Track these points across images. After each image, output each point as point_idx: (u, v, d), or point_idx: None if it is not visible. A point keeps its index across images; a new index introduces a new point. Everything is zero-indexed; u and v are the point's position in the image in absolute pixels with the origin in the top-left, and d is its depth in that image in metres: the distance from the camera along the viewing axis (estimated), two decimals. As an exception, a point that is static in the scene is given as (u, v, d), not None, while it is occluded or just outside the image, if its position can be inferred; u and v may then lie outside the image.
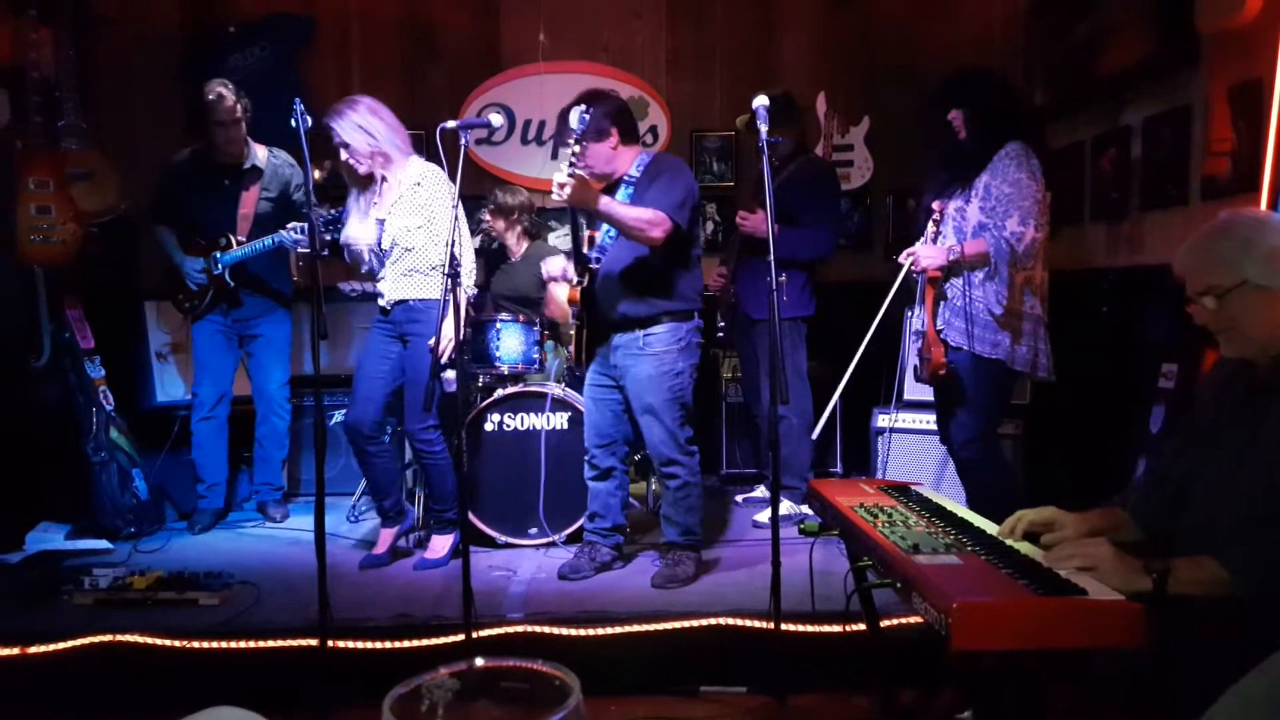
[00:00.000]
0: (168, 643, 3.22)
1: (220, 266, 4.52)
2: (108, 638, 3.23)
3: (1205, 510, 2.06)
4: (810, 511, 3.60)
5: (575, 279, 3.92)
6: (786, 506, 4.39)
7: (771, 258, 3.16)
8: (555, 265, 4.91)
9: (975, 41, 5.76)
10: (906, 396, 4.68)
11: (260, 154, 4.63)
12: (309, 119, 3.17)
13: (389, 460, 4.28)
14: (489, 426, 4.33)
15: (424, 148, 5.88)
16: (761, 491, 5.07)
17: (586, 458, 3.97)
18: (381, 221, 3.92)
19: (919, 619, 1.84)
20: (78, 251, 4.52)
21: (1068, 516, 2.24)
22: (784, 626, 3.15)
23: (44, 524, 4.46)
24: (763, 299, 4.44)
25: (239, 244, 4.51)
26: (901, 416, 4.65)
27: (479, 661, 1.30)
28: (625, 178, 3.80)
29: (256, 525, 4.78)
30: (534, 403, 4.33)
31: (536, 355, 4.56)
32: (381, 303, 4.01)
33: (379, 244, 3.95)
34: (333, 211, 4.09)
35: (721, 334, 5.00)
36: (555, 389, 4.33)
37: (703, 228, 4.00)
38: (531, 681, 1.28)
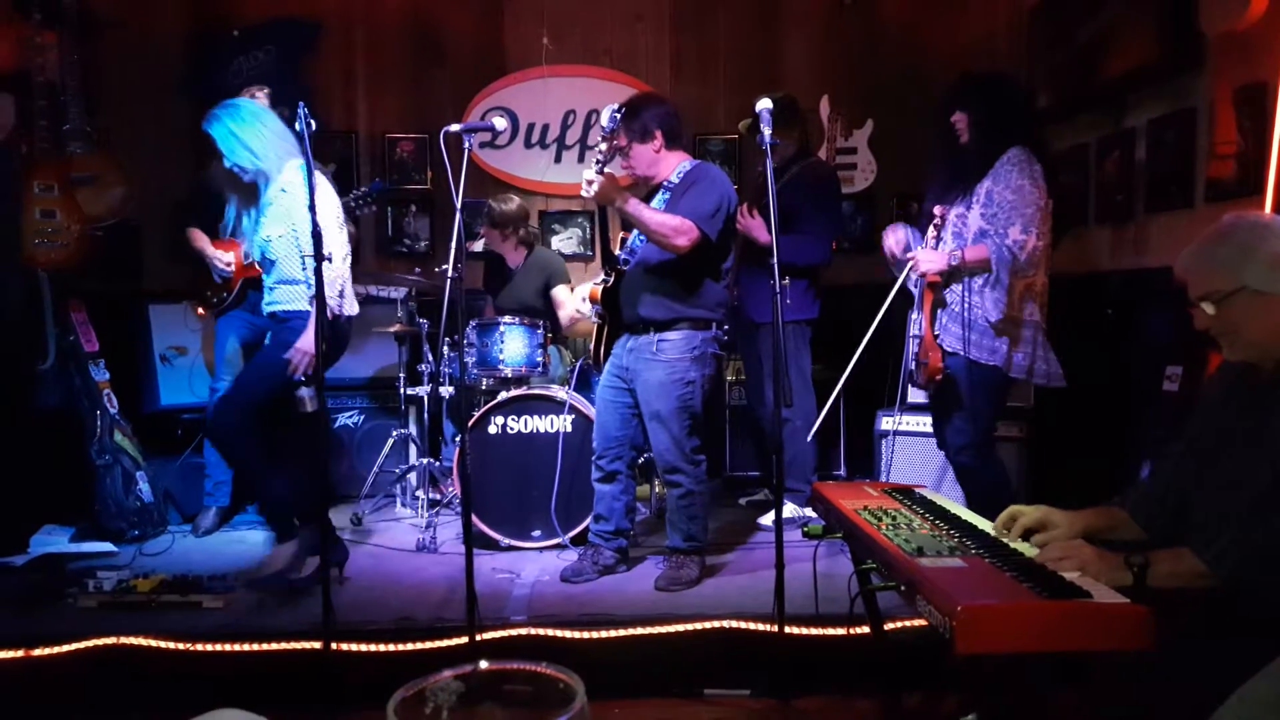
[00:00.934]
0: (171, 645, 3.22)
1: (249, 259, 4.48)
2: (111, 640, 3.22)
3: (1208, 512, 2.07)
4: (814, 514, 3.61)
5: (601, 279, 3.90)
6: (790, 509, 4.39)
7: (775, 261, 3.15)
8: (572, 303, 4.96)
9: (979, 44, 5.76)
10: (910, 399, 4.67)
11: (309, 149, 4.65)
12: (313, 123, 3.17)
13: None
14: (492, 429, 4.33)
15: (429, 151, 5.96)
16: (765, 494, 5.07)
17: (594, 459, 3.97)
18: (251, 229, 3.79)
19: (923, 622, 1.83)
20: (82, 255, 4.53)
21: (1060, 515, 2.26)
22: (788, 629, 3.15)
23: (48, 527, 4.47)
24: (764, 302, 4.46)
25: None
26: (905, 419, 4.64)
27: (483, 664, 1.30)
28: (665, 184, 3.81)
29: (260, 529, 4.77)
30: (538, 405, 4.33)
31: (540, 358, 4.57)
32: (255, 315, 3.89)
33: (251, 250, 3.82)
34: (363, 189, 4.22)
35: (725, 338, 5.00)
36: (561, 392, 4.33)
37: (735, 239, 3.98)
38: (536, 684, 1.28)
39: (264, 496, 3.94)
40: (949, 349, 3.65)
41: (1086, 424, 4.44)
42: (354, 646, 3.22)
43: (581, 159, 6.01)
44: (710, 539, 4.01)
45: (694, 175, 3.78)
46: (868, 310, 3.91)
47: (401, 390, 5.01)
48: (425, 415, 5.15)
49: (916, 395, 4.63)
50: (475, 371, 4.57)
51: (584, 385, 4.65)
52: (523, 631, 3.31)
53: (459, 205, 3.24)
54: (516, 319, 4.59)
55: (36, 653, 3.19)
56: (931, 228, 3.73)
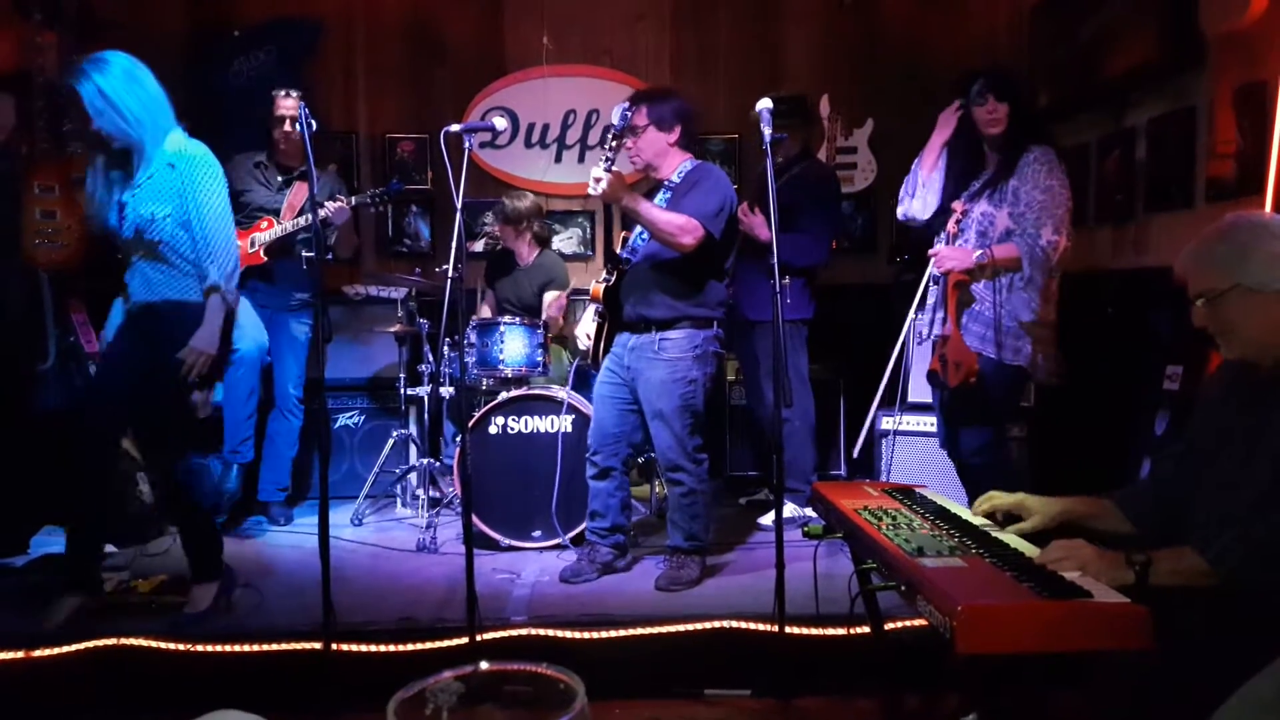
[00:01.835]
0: (172, 646, 3.21)
1: (254, 246, 4.54)
2: (112, 641, 3.22)
3: (1209, 510, 2.08)
4: (814, 514, 3.61)
5: (604, 277, 3.90)
6: (790, 509, 4.38)
7: (774, 260, 3.15)
8: (552, 300, 4.97)
9: (979, 43, 5.76)
10: (911, 399, 4.67)
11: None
12: (314, 123, 3.17)
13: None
14: (493, 429, 4.33)
15: (429, 151, 5.96)
16: (765, 494, 5.07)
17: (588, 455, 3.97)
18: (123, 204, 3.34)
19: (923, 622, 1.84)
20: (83, 256, 4.52)
21: (1035, 501, 2.32)
22: (788, 629, 3.15)
23: (48, 528, 4.46)
24: (761, 301, 4.45)
25: (278, 223, 4.58)
26: (906, 419, 4.63)
27: (483, 665, 1.30)
28: (666, 182, 3.81)
29: (260, 528, 4.77)
30: (538, 406, 4.33)
31: (540, 358, 4.57)
32: (127, 303, 3.47)
33: (120, 229, 3.36)
34: (377, 191, 4.34)
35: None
36: (561, 392, 4.32)
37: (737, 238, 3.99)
38: (536, 684, 1.28)
39: (175, 521, 3.63)
40: (972, 349, 3.57)
41: (1087, 423, 4.44)
42: (354, 647, 3.22)
43: (582, 159, 6.01)
44: (711, 539, 4.01)
45: (697, 175, 3.79)
46: (868, 310, 3.91)
47: (402, 390, 5.01)
48: (426, 415, 5.15)
49: (917, 395, 4.63)
50: (475, 372, 4.57)
51: (583, 385, 4.65)
52: (523, 632, 3.31)
53: (459, 205, 3.24)
54: (517, 319, 4.59)
55: (37, 653, 3.19)
56: (951, 223, 3.65)
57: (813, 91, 5.52)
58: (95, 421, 3.39)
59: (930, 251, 3.70)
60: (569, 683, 1.24)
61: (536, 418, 4.32)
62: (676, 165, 3.83)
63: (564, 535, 4.22)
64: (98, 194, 3.38)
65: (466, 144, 3.30)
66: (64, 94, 3.51)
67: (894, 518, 2.35)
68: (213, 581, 3.50)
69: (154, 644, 3.22)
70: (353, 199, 4.55)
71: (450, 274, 3.25)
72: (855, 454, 4.54)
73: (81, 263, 4.54)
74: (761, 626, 3.26)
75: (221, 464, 4.73)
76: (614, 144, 3.55)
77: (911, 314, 3.82)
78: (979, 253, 3.54)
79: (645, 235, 3.79)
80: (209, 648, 3.22)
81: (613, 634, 3.29)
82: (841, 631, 3.14)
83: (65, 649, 3.20)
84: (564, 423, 4.29)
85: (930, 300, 3.81)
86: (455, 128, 3.34)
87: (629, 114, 3.59)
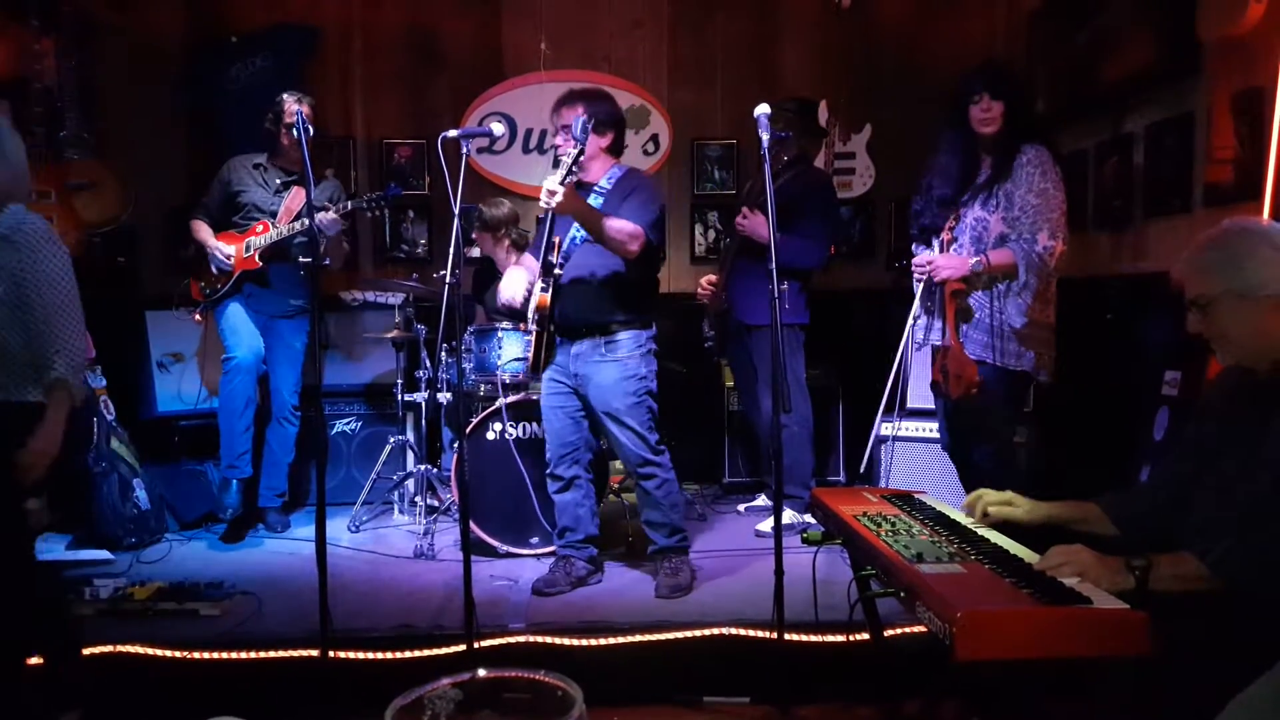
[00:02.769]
0: (168, 653, 3.21)
1: (250, 251, 4.50)
2: (109, 648, 3.22)
3: (1208, 515, 2.08)
4: (813, 520, 3.59)
5: (541, 286, 3.83)
6: (789, 515, 4.37)
7: (773, 265, 3.14)
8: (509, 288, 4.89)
9: (978, 49, 5.76)
10: (910, 405, 4.67)
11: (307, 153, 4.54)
12: (310, 129, 3.17)
13: None
14: (490, 435, 4.32)
15: (427, 156, 5.95)
16: (763, 500, 5.06)
17: (548, 471, 3.95)
18: None
19: (923, 628, 1.83)
20: (79, 261, 4.50)
21: (1022, 501, 2.38)
22: (787, 636, 3.13)
23: (45, 534, 4.45)
24: (756, 305, 4.46)
25: (274, 228, 4.51)
26: (905, 425, 4.63)
27: (481, 672, 1.30)
28: (596, 187, 3.81)
29: (257, 535, 4.76)
30: (536, 411, 4.31)
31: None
32: None
33: None
34: (374, 196, 4.20)
35: (709, 343, 4.98)
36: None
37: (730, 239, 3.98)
38: (534, 691, 1.28)
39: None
40: (974, 357, 3.55)
41: (1086, 429, 4.44)
42: (351, 654, 3.21)
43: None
44: (710, 545, 4.00)
45: (633, 182, 3.82)
46: (865, 316, 3.91)
47: (399, 396, 5.00)
48: (423, 421, 5.14)
49: (916, 401, 4.63)
50: (473, 377, 4.56)
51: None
52: (521, 639, 3.30)
53: (457, 211, 3.23)
54: (514, 325, 4.58)
55: (32, 662, 3.17)
56: (945, 230, 3.62)
57: (811, 97, 5.53)
58: None
59: (920, 260, 3.67)
60: (567, 690, 1.24)
61: (534, 424, 4.31)
62: (606, 170, 3.85)
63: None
64: None
65: (464, 149, 3.30)
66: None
67: (893, 524, 2.34)
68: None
69: (151, 651, 3.21)
70: (348, 203, 4.47)
71: (448, 279, 3.25)
72: (861, 468, 4.52)
73: (78, 268, 4.51)
74: (760, 633, 3.25)
75: (220, 478, 4.72)
76: (575, 155, 3.51)
77: (910, 320, 3.79)
78: (975, 260, 3.50)
79: (577, 241, 3.80)
80: (206, 655, 3.21)
81: (611, 641, 3.29)
82: (841, 638, 3.14)
83: (61, 656, 3.18)
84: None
85: (920, 307, 3.77)
86: (453, 133, 3.34)
87: (589, 125, 3.58)
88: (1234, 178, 3.75)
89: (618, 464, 4.76)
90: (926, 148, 3.90)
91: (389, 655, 3.23)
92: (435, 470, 4.93)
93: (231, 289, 4.58)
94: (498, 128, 3.64)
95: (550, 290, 3.76)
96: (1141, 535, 2.26)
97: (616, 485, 4.89)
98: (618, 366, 3.76)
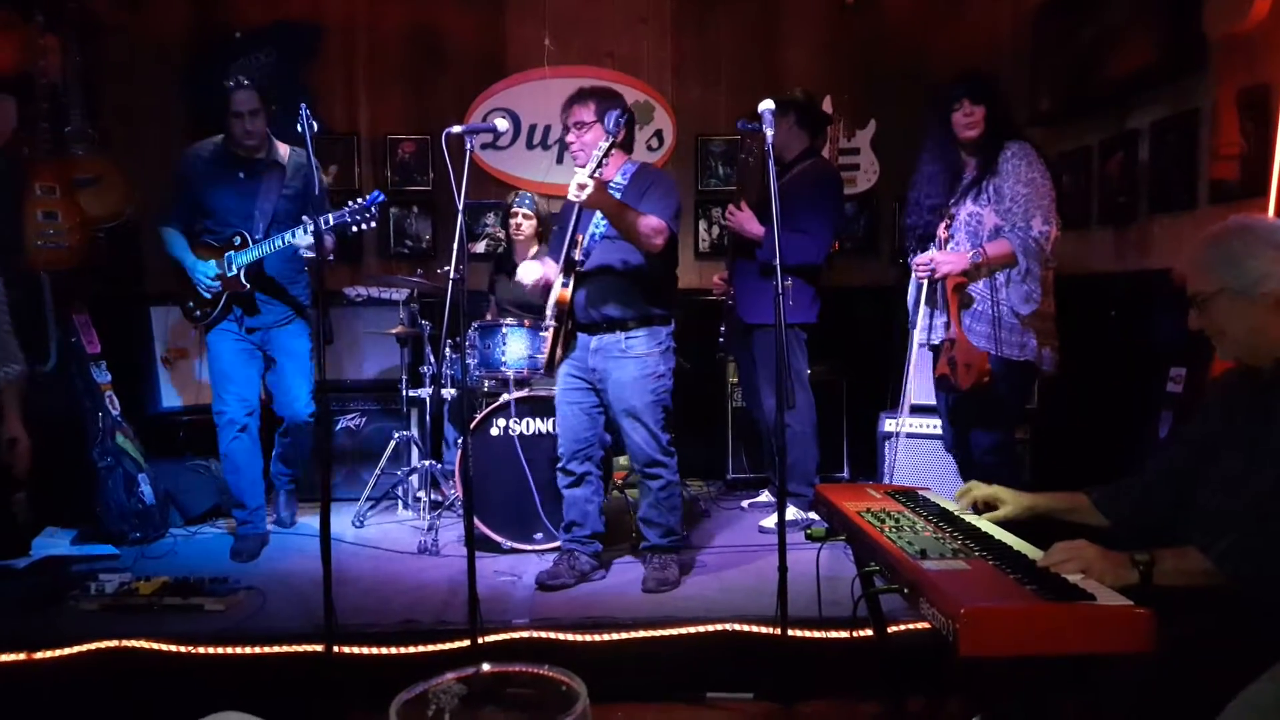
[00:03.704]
0: (173, 648, 3.21)
1: (234, 268, 4.18)
2: (113, 643, 3.22)
3: (1211, 511, 2.09)
4: (816, 517, 3.60)
5: (562, 281, 3.84)
6: (793, 512, 4.38)
7: (776, 262, 3.14)
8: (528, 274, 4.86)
9: (982, 45, 5.75)
10: (914, 401, 4.66)
11: (282, 150, 4.33)
12: (315, 124, 3.16)
13: None
14: (494, 431, 4.32)
15: (430, 152, 5.96)
16: (767, 496, 5.06)
17: (559, 465, 3.96)
18: None
19: (926, 625, 1.83)
20: (84, 257, 4.53)
21: (1009, 493, 2.41)
22: (790, 632, 3.14)
23: (50, 529, 4.47)
24: (756, 303, 4.46)
25: (254, 242, 4.16)
26: (909, 421, 4.62)
27: (485, 667, 1.30)
28: (611, 184, 3.81)
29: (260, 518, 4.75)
30: (540, 408, 4.32)
31: (542, 359, 4.55)
32: None
33: None
34: (360, 201, 3.84)
35: (723, 339, 4.98)
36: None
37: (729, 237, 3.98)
38: (538, 687, 1.28)
39: None
40: (978, 349, 3.61)
41: (1090, 425, 4.44)
42: (356, 649, 3.21)
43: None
44: (714, 540, 4.00)
45: (650, 177, 3.85)
46: (870, 312, 3.91)
47: (403, 392, 5.00)
48: (427, 417, 5.14)
49: (920, 397, 4.62)
50: (477, 373, 4.56)
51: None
52: (525, 634, 3.31)
53: (461, 207, 3.23)
54: (518, 321, 4.59)
55: (38, 656, 3.19)
56: (941, 228, 3.70)
57: (815, 93, 5.52)
58: None
59: (921, 259, 3.72)
60: (571, 685, 1.24)
61: (538, 420, 4.31)
62: (619, 166, 3.86)
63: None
64: None
65: (468, 145, 3.30)
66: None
67: (897, 520, 2.34)
68: None
69: (156, 646, 3.21)
70: (329, 218, 3.87)
71: (452, 275, 3.25)
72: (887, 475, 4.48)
73: (83, 264, 4.54)
74: (764, 629, 3.26)
75: (237, 533, 4.48)
76: (606, 147, 3.52)
77: (921, 319, 3.81)
78: (973, 253, 3.59)
79: (598, 237, 3.80)
80: (211, 650, 3.22)
81: (615, 636, 3.29)
82: (844, 635, 3.14)
83: (67, 651, 3.20)
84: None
85: (925, 306, 3.81)
86: (457, 129, 3.33)
87: (621, 120, 3.59)
88: (1239, 174, 3.74)
89: (622, 460, 4.77)
90: (919, 144, 3.93)
91: (393, 650, 3.24)
92: (439, 466, 4.94)
93: (222, 312, 4.30)
94: (502, 123, 3.64)
95: (570, 285, 3.77)
96: (1132, 527, 2.28)
97: (620, 481, 4.89)
98: (638, 364, 3.76)
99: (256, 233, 4.20)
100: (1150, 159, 4.44)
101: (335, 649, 3.06)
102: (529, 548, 4.27)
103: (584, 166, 3.53)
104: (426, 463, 4.90)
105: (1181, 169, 4.15)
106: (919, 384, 4.47)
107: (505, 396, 4.36)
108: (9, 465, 2.76)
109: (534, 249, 5.14)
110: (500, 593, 3.74)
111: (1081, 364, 3.84)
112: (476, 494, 3.99)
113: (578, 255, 3.79)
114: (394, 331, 4.99)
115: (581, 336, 3.86)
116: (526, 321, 4.59)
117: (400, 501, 5.13)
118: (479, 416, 4.30)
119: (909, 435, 4.61)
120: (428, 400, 5.03)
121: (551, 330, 3.88)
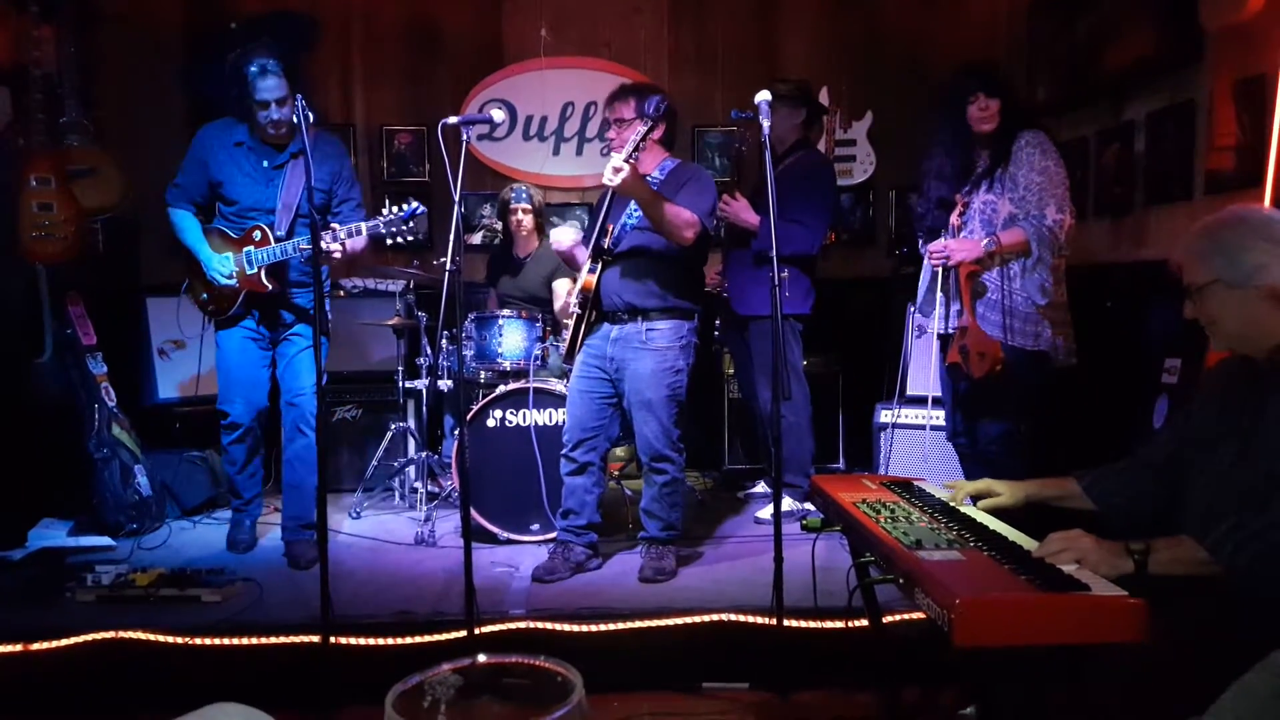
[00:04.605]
0: (170, 639, 3.22)
1: (254, 266, 3.94)
2: (110, 635, 3.23)
3: (1205, 500, 2.09)
4: (812, 508, 3.60)
5: (589, 268, 3.85)
6: (788, 503, 4.38)
7: (773, 253, 3.13)
8: (563, 288, 4.87)
9: (979, 36, 5.75)
10: (909, 392, 4.67)
11: (309, 140, 3.63)
12: (311, 115, 3.15)
13: None
14: (491, 423, 4.32)
15: (427, 143, 5.95)
16: (763, 487, 5.07)
17: (564, 452, 3.95)
18: None
19: (922, 615, 1.84)
20: (80, 248, 4.51)
21: (1001, 485, 2.43)
22: (786, 622, 3.14)
23: (46, 520, 4.47)
24: (751, 296, 4.45)
25: (275, 240, 3.93)
26: (904, 412, 4.63)
27: (481, 658, 1.30)
28: (648, 178, 3.80)
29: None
30: (537, 399, 4.32)
31: (539, 351, 4.55)
32: None
33: None
34: (396, 211, 3.82)
35: (718, 331, 4.98)
36: (560, 385, 4.31)
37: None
38: (534, 677, 1.28)
39: None
40: (992, 338, 3.62)
41: (1086, 415, 4.44)
42: (352, 640, 3.22)
43: (580, 151, 6.02)
44: (710, 531, 4.01)
45: (688, 173, 3.84)
46: (866, 303, 3.91)
47: (400, 383, 5.00)
48: (424, 408, 5.14)
49: (916, 388, 4.63)
50: (473, 365, 4.56)
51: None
52: (521, 625, 3.31)
53: (457, 198, 3.22)
54: (515, 312, 4.58)
55: (35, 647, 3.19)
56: (954, 216, 3.71)
57: (812, 83, 5.52)
58: None
59: (935, 246, 3.71)
60: (567, 675, 1.24)
61: (535, 411, 4.32)
62: (658, 161, 3.86)
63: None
64: None
65: (464, 136, 3.29)
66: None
67: (892, 511, 2.35)
68: None
69: (152, 637, 3.22)
70: (362, 225, 3.84)
71: (448, 267, 3.24)
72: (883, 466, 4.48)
73: (79, 255, 4.52)
74: (760, 620, 3.26)
75: (233, 519, 4.37)
76: (644, 133, 3.50)
77: (938, 308, 3.80)
78: (986, 240, 3.59)
79: (629, 226, 3.79)
80: (207, 641, 3.22)
81: (611, 627, 3.30)
82: (840, 625, 3.15)
83: (63, 642, 3.20)
84: (563, 416, 4.27)
85: (934, 294, 3.80)
86: (453, 120, 3.32)
87: (661, 105, 3.59)
88: (1235, 165, 3.75)
89: (618, 451, 4.78)
90: (928, 136, 3.91)
91: (390, 641, 3.24)
92: (436, 457, 4.94)
93: (240, 311, 4.06)
94: (498, 114, 3.63)
95: (598, 273, 3.77)
96: (1122, 515, 2.29)
97: (616, 472, 4.90)
98: (657, 357, 3.76)
99: (279, 229, 3.97)
100: (1146, 150, 4.44)
101: (332, 640, 3.06)
102: (526, 539, 4.27)
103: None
104: (423, 454, 4.90)
105: (1178, 160, 4.15)
106: (915, 375, 4.48)
107: (501, 388, 4.34)
108: None
109: (535, 243, 5.13)
110: (497, 584, 3.74)
111: (1078, 354, 3.84)
112: (473, 485, 3.98)
113: (607, 243, 3.79)
114: (390, 323, 4.99)
115: (603, 325, 3.86)
116: (524, 313, 4.59)
117: (396, 493, 5.13)
118: (475, 408, 4.29)
119: (904, 426, 4.62)
120: (424, 391, 5.03)
121: (574, 318, 3.88)
